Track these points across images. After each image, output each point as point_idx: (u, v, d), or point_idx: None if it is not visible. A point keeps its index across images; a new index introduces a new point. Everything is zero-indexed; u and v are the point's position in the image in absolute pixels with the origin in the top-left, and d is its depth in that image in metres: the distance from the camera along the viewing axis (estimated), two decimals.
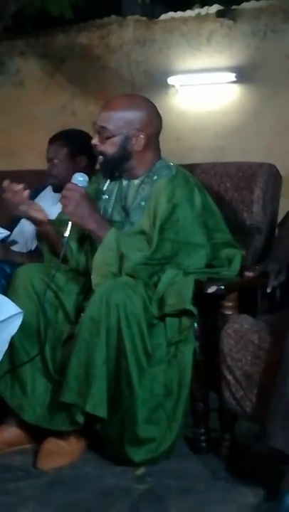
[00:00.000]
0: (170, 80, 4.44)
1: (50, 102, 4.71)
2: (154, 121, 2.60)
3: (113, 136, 2.53)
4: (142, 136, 2.55)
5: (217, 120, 4.37)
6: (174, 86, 4.45)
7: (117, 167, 2.59)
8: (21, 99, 4.80)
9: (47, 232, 2.69)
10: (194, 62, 4.43)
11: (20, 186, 2.65)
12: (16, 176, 3.47)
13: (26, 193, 2.66)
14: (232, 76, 4.32)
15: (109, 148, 2.55)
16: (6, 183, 2.65)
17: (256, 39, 4.30)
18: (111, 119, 2.53)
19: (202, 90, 4.42)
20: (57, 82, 4.76)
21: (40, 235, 2.76)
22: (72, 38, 4.71)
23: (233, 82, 4.35)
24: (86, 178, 2.54)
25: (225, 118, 4.36)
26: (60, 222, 2.63)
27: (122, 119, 2.53)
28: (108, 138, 2.54)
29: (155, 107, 2.63)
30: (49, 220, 2.70)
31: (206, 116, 4.39)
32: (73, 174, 2.56)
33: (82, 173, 2.56)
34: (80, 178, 2.53)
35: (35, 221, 2.70)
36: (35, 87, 4.79)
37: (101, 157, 2.58)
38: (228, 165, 2.92)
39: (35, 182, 3.33)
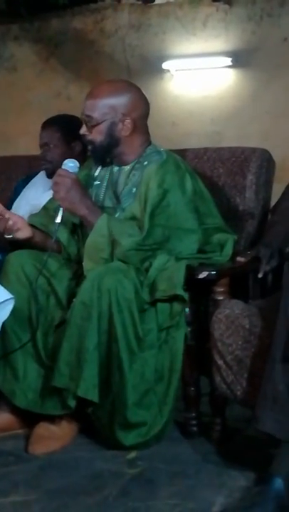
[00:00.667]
0: (165, 65, 4.40)
1: (45, 87, 4.68)
2: (140, 105, 2.59)
3: (98, 123, 2.54)
4: (127, 120, 2.54)
5: (213, 105, 4.34)
6: (169, 71, 4.42)
7: (106, 154, 2.59)
8: (15, 85, 4.77)
9: (36, 242, 2.64)
10: (190, 47, 4.39)
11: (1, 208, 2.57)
12: (8, 162, 3.49)
13: (12, 221, 2.55)
14: (228, 61, 4.29)
15: (97, 136, 2.55)
16: None
17: (252, 23, 4.27)
18: (95, 107, 2.53)
19: (198, 75, 4.39)
20: (51, 67, 4.72)
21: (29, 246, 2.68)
22: (66, 23, 4.67)
23: (229, 66, 4.31)
24: (77, 164, 2.54)
25: (221, 103, 4.33)
26: (49, 209, 2.60)
27: (106, 105, 2.53)
28: (94, 126, 2.54)
29: (140, 90, 2.62)
30: (34, 226, 2.63)
31: (202, 101, 4.36)
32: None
33: (72, 160, 2.56)
34: (70, 164, 2.53)
35: (22, 241, 2.62)
36: (29, 72, 4.76)
37: (90, 146, 2.59)
38: (220, 150, 2.91)
39: (27, 168, 3.33)
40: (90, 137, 2.57)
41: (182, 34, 4.43)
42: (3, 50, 4.80)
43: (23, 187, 3.15)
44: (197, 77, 4.40)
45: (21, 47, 4.77)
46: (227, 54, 4.29)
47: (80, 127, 2.99)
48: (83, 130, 2.58)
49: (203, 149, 2.95)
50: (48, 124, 3.11)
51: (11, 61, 4.80)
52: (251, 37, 4.27)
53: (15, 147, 4.37)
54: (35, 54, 4.74)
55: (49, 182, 3.09)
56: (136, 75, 4.32)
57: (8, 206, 3.15)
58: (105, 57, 4.57)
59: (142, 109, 2.60)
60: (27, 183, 3.18)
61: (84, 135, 2.58)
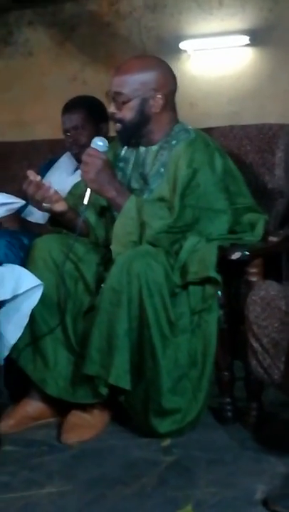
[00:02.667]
0: (182, 45, 4.34)
1: (60, 72, 4.63)
2: (169, 80, 2.53)
3: (129, 100, 2.47)
4: (159, 96, 2.48)
5: (231, 85, 4.29)
6: (186, 51, 4.36)
7: (135, 133, 2.52)
8: (31, 70, 4.72)
9: (68, 219, 2.58)
10: (206, 26, 4.33)
11: (39, 178, 2.52)
12: (29, 147, 3.43)
13: (52, 191, 2.51)
14: (245, 39, 4.22)
15: (127, 113, 2.48)
16: (30, 173, 2.52)
17: (269, 1, 4.19)
18: (125, 83, 2.46)
19: (215, 55, 4.32)
20: (66, 51, 4.67)
21: (59, 222, 2.64)
22: (81, 6, 4.61)
23: (247, 45, 4.24)
24: (106, 142, 2.47)
25: (239, 82, 4.28)
26: (78, 195, 2.55)
27: (137, 81, 2.46)
28: (124, 103, 2.47)
29: (168, 65, 2.56)
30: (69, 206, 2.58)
31: (220, 81, 4.31)
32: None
33: (101, 137, 2.49)
34: (100, 143, 2.46)
35: (57, 214, 2.57)
36: (44, 57, 4.71)
37: (119, 125, 2.51)
38: (247, 127, 2.84)
39: (49, 152, 3.27)
40: (119, 115, 2.49)
41: (198, 13, 4.36)
42: (18, 36, 4.75)
43: (46, 172, 3.08)
44: (214, 57, 4.34)
45: (36, 32, 4.72)
46: (244, 32, 4.23)
47: (103, 108, 2.97)
48: (112, 108, 2.50)
49: (229, 127, 2.89)
50: (72, 106, 3.02)
51: (26, 46, 4.75)
52: (268, 15, 4.19)
53: (32, 133, 4.32)
54: (50, 38, 4.69)
55: (73, 165, 3.03)
56: None
57: None
58: (121, 39, 4.52)
59: (171, 84, 2.54)
60: (49, 168, 3.11)
61: (113, 113, 2.50)
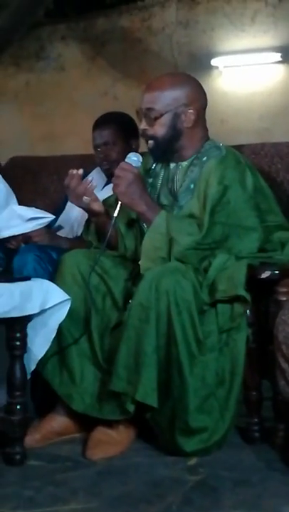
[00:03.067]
0: (214, 62, 4.36)
1: (92, 87, 4.66)
2: (200, 96, 2.54)
3: (161, 115, 2.47)
4: (190, 111, 2.48)
5: (262, 101, 4.29)
6: (217, 67, 4.38)
7: (168, 149, 2.52)
8: (62, 84, 4.76)
9: (102, 223, 2.61)
10: (238, 43, 4.35)
11: (82, 171, 2.58)
12: (60, 161, 3.45)
13: (93, 185, 2.59)
14: (277, 56, 4.23)
15: (159, 129, 2.48)
16: (72, 171, 2.58)
17: None
18: (157, 99, 2.47)
19: (246, 71, 4.33)
20: (98, 67, 4.71)
21: (92, 226, 2.68)
22: (113, 22, 4.65)
23: (279, 62, 4.24)
24: (140, 158, 2.48)
25: (270, 99, 4.27)
26: (108, 207, 2.57)
27: (168, 97, 2.47)
28: (156, 118, 2.47)
29: (198, 81, 2.57)
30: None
31: (251, 97, 4.31)
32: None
33: (136, 153, 2.50)
34: (134, 158, 2.47)
35: (92, 213, 2.62)
36: (76, 72, 4.75)
37: (151, 141, 2.51)
38: (278, 145, 2.83)
39: (79, 167, 3.27)
40: (151, 132, 2.50)
41: (230, 30, 4.38)
42: (51, 50, 4.80)
43: None
44: (246, 74, 4.34)
45: (68, 46, 4.77)
46: (276, 49, 4.24)
47: (134, 124, 2.98)
48: (143, 125, 2.51)
49: (260, 144, 2.88)
50: (103, 122, 3.03)
51: (58, 61, 4.80)
52: None
53: (62, 147, 4.35)
54: (82, 53, 4.73)
55: (103, 181, 3.04)
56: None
57: (62, 207, 3.11)
58: (153, 55, 4.54)
59: (202, 100, 2.55)
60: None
61: (144, 130, 2.51)
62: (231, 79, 4.36)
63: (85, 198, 2.56)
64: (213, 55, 4.35)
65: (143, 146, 2.75)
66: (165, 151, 2.53)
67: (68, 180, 2.58)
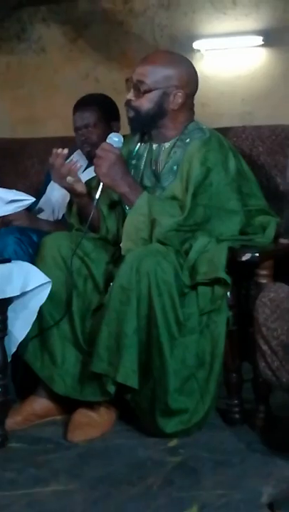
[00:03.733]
0: (195, 45, 4.32)
1: (73, 69, 4.61)
2: (193, 81, 2.53)
3: (150, 90, 2.46)
4: (179, 93, 2.47)
5: (244, 85, 4.27)
6: (199, 51, 4.34)
7: (148, 124, 2.51)
8: (43, 67, 4.71)
9: (84, 205, 2.60)
10: (220, 26, 4.31)
11: (66, 151, 2.56)
12: (41, 144, 3.43)
13: (77, 165, 2.59)
14: (259, 39, 4.20)
15: (145, 103, 2.47)
16: (57, 150, 2.56)
17: (284, 1, 4.17)
18: (149, 73, 2.46)
19: (228, 55, 4.30)
20: (79, 49, 4.66)
21: (74, 208, 2.67)
22: (94, 4, 4.59)
23: (261, 45, 4.22)
24: (121, 139, 2.47)
25: (252, 83, 4.26)
26: (91, 189, 2.56)
27: (161, 74, 2.46)
28: (145, 92, 2.46)
29: (194, 67, 2.56)
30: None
31: (233, 81, 4.29)
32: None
33: (117, 134, 2.49)
34: (115, 139, 2.45)
35: (75, 194, 2.60)
36: (57, 54, 4.69)
37: (132, 112, 2.49)
38: (260, 128, 2.82)
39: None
40: (136, 103, 2.48)
41: (212, 13, 4.34)
42: (31, 32, 4.74)
43: None
44: (228, 57, 4.32)
45: (49, 28, 4.71)
46: (258, 33, 4.21)
47: (115, 106, 2.96)
48: (130, 95, 2.49)
49: (242, 127, 2.87)
50: (84, 104, 3.01)
51: (38, 43, 4.74)
52: (283, 15, 4.18)
53: (43, 130, 4.32)
54: (63, 35, 4.68)
55: (83, 163, 3.02)
56: None
57: (43, 189, 3.09)
58: (134, 37, 4.50)
59: (194, 84, 2.54)
60: None
61: (129, 100, 2.49)
62: (213, 62, 4.33)
63: (69, 178, 2.54)
64: (194, 37, 4.31)
65: (125, 129, 2.74)
66: (145, 126, 2.52)
67: (53, 159, 2.56)
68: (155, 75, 2.45)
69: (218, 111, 4.24)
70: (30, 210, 2.94)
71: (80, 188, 2.58)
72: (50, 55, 4.72)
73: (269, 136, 2.75)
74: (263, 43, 4.21)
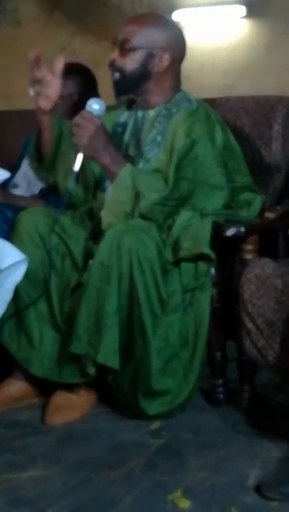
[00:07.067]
0: (175, 15, 4.21)
1: (49, 42, 4.48)
2: (180, 44, 2.46)
3: (135, 49, 2.37)
4: (166, 56, 2.40)
5: (226, 57, 4.18)
6: (179, 22, 4.23)
7: (133, 86, 2.42)
8: (19, 39, 4.58)
9: (45, 127, 2.46)
10: None
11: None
12: (15, 117, 3.33)
13: (59, 68, 2.40)
14: (242, 10, 4.10)
15: (129, 63, 2.39)
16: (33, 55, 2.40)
17: None
18: (136, 33, 2.39)
19: (210, 26, 4.20)
20: (56, 21, 4.54)
21: (32, 145, 2.54)
22: None
23: (244, 16, 4.13)
24: (102, 105, 2.35)
25: (234, 55, 4.17)
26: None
27: (147, 34, 2.39)
28: (130, 51, 2.37)
29: (182, 32, 2.49)
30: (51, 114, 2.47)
31: (215, 53, 4.20)
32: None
33: (98, 99, 2.37)
34: (95, 107, 2.34)
35: (38, 111, 2.46)
36: (33, 26, 4.58)
37: (117, 74, 2.40)
38: (244, 99, 2.74)
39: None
40: (120, 63, 2.40)
41: None
42: (6, 4, 4.62)
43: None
44: (209, 28, 4.22)
45: (25, 0, 4.58)
46: (241, 3, 4.11)
47: (95, 78, 2.86)
48: (114, 55, 2.40)
49: (225, 98, 2.79)
50: (68, 73, 2.88)
51: (13, 15, 4.62)
52: None
53: (19, 102, 4.19)
54: (39, 7, 4.56)
55: None
56: None
57: (18, 165, 2.99)
58: (112, 8, 4.39)
59: (181, 50, 2.46)
60: None
61: (114, 60, 2.40)
62: (194, 33, 4.23)
63: (31, 88, 2.42)
64: (175, 7, 4.21)
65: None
66: (130, 88, 2.43)
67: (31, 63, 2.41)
68: (142, 34, 2.38)
69: (199, 83, 4.13)
70: (5, 184, 2.83)
71: (43, 105, 2.42)
72: (26, 27, 4.61)
73: (253, 107, 2.66)
74: (246, 13, 4.12)
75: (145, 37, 2.38)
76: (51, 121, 2.47)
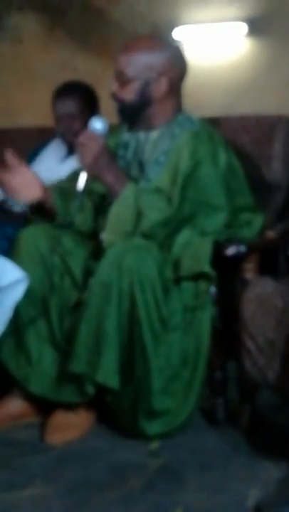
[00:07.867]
0: (176, 32, 4.23)
1: (50, 59, 4.51)
2: (178, 65, 2.45)
3: (131, 81, 2.38)
4: (163, 81, 2.39)
5: (227, 75, 4.19)
6: (180, 39, 4.25)
7: (134, 115, 2.43)
8: (20, 56, 4.60)
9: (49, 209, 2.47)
10: (203, 14, 4.22)
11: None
12: (16, 135, 3.34)
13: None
14: (244, 28, 4.12)
15: (128, 94, 2.39)
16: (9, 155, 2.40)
17: None
18: (130, 63, 2.38)
19: (211, 43, 4.22)
20: (57, 38, 4.56)
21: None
22: None
23: (245, 34, 4.15)
24: (106, 124, 2.36)
25: (235, 73, 4.18)
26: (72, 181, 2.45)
27: (141, 62, 2.38)
28: (126, 83, 2.38)
29: (179, 49, 2.49)
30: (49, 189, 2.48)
31: (215, 71, 4.20)
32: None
33: (101, 118, 2.38)
34: (97, 127, 2.35)
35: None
36: (34, 44, 4.59)
37: (119, 105, 2.42)
38: (244, 118, 2.76)
39: (38, 140, 3.17)
40: (120, 95, 2.41)
41: (194, 0, 4.26)
42: (7, 21, 4.63)
43: (34, 159, 2.97)
44: (210, 46, 4.24)
45: (25, 17, 4.60)
46: (243, 20, 4.13)
47: (96, 96, 2.87)
48: (114, 87, 2.41)
49: (225, 117, 2.81)
50: (68, 92, 2.92)
51: (14, 32, 4.64)
52: (268, 3, 4.10)
53: (20, 120, 4.22)
54: (40, 24, 4.58)
55: (62, 153, 2.93)
56: None
57: None
58: (113, 25, 4.41)
59: (179, 69, 2.45)
60: (37, 156, 3.01)
61: (114, 93, 2.42)
62: (195, 51, 4.25)
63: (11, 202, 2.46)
64: (176, 24, 4.24)
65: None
66: (132, 116, 2.43)
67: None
68: (135, 63, 2.38)
69: (199, 102, 4.12)
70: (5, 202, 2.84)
71: (32, 196, 2.42)
72: (27, 44, 4.63)
73: (254, 126, 2.69)
74: (247, 32, 4.14)
75: (139, 65, 2.37)
76: (49, 200, 2.46)
